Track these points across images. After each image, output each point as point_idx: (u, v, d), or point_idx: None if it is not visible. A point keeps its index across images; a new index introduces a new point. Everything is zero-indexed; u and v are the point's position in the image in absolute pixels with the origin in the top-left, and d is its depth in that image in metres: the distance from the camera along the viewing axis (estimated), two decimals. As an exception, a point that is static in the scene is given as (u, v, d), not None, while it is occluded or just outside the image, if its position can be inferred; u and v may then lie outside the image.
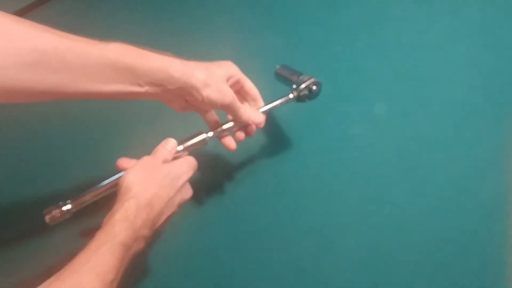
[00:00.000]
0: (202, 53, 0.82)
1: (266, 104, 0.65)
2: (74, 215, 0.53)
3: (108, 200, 0.53)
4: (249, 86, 0.63)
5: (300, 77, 0.67)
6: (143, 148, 0.57)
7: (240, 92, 0.63)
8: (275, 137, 0.75)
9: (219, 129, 0.61)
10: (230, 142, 0.63)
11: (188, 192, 0.57)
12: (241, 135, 0.64)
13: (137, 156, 0.55)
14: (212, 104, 0.55)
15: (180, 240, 0.67)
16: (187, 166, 0.56)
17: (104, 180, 0.55)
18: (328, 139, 0.75)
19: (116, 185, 0.53)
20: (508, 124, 0.75)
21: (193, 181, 0.69)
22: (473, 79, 0.80)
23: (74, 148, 0.76)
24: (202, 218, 0.69)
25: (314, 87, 0.66)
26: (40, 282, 0.42)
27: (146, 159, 0.54)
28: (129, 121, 0.76)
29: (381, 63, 0.81)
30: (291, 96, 0.66)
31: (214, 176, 0.72)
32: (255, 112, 0.62)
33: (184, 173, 0.55)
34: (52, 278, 0.43)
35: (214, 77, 0.55)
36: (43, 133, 0.77)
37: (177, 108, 0.56)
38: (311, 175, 0.72)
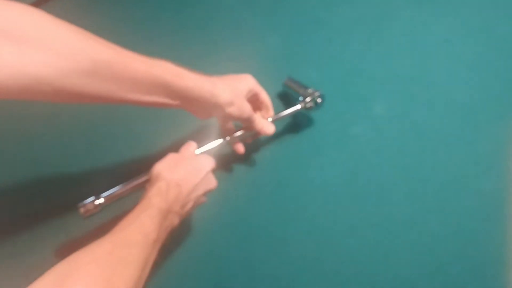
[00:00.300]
0: (202, 53, 0.83)
1: (276, 114, 0.72)
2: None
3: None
4: (264, 97, 0.70)
5: (307, 90, 0.73)
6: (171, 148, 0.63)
7: (255, 102, 0.70)
8: (275, 137, 0.75)
9: (233, 136, 0.68)
10: (240, 147, 0.71)
11: (212, 183, 0.63)
12: (249, 139, 0.72)
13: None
14: (233, 118, 0.64)
15: (179, 240, 0.67)
16: (207, 160, 0.63)
17: (133, 175, 0.63)
18: (328, 139, 0.75)
19: (146, 181, 0.61)
20: (508, 124, 0.75)
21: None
22: (473, 79, 0.80)
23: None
24: (202, 218, 0.69)
25: (319, 100, 0.73)
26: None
27: (172, 154, 0.62)
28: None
29: (381, 63, 0.82)
30: (298, 107, 0.73)
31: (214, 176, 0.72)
32: (267, 123, 0.69)
33: (205, 165, 0.62)
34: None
35: (237, 95, 0.62)
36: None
37: (200, 117, 0.63)
38: (311, 175, 0.72)
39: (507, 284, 0.64)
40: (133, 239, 0.49)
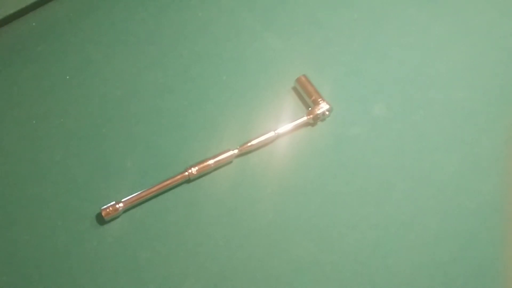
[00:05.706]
0: (202, 55, 0.83)
1: (283, 125, 0.74)
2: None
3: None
4: None
5: (318, 100, 0.74)
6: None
7: None
8: (274, 137, 0.75)
9: (244, 146, 0.71)
10: None
11: None
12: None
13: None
14: None
15: (179, 239, 0.67)
16: None
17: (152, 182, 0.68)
18: (328, 139, 0.75)
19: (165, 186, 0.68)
20: (508, 124, 0.75)
21: (193, 181, 0.70)
22: (473, 79, 0.80)
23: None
24: (202, 217, 0.69)
25: (327, 113, 0.74)
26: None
27: None
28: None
29: (380, 63, 0.81)
30: (305, 118, 0.74)
31: (213, 177, 0.72)
32: None
33: None
34: None
35: None
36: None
37: None
38: (311, 176, 0.72)
39: (507, 284, 0.64)
40: None
